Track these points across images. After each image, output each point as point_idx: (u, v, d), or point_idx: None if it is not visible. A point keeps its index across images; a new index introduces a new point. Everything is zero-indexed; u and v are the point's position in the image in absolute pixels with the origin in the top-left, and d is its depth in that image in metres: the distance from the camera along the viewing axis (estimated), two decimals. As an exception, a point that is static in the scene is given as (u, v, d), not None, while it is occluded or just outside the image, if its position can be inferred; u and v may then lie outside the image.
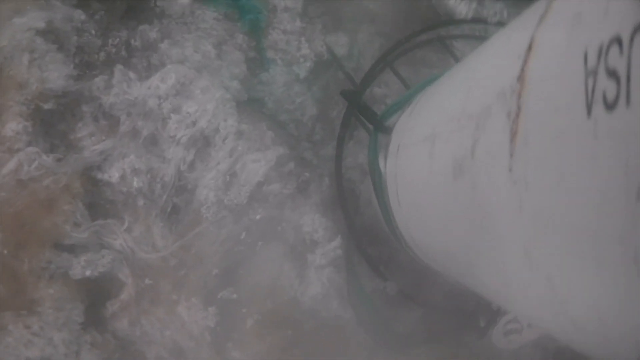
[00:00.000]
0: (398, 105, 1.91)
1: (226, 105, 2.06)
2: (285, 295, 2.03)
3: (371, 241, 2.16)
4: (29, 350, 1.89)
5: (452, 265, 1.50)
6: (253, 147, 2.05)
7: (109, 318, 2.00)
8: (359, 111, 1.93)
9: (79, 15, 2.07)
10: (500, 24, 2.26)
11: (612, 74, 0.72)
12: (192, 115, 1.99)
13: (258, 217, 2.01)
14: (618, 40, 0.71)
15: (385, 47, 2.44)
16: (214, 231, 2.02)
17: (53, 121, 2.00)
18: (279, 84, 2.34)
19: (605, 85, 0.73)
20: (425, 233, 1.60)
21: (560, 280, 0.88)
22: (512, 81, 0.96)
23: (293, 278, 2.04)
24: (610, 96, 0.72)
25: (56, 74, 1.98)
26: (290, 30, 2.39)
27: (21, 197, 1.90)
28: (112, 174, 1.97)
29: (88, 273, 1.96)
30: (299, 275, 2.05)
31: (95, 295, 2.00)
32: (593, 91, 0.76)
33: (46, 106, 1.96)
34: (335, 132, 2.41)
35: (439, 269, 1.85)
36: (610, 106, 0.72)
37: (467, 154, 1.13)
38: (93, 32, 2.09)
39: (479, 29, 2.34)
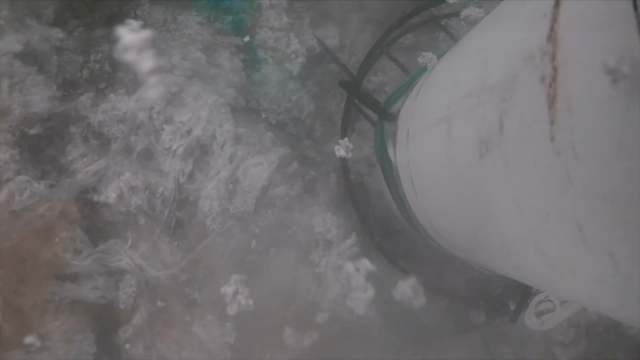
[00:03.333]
0: (401, 90, 1.82)
1: (220, 110, 1.97)
2: (304, 301, 1.93)
3: (386, 235, 2.08)
4: (42, 389, 1.79)
5: (481, 250, 1.41)
6: (253, 150, 1.96)
7: (122, 345, 1.90)
8: (360, 100, 1.84)
9: (57, 33, 1.97)
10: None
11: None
12: (185, 124, 1.90)
13: (267, 223, 1.91)
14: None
15: (377, 35, 2.35)
16: (222, 242, 1.92)
17: (41, 146, 1.91)
18: (272, 83, 2.25)
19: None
20: (447, 219, 1.51)
21: (624, 257, 0.78)
22: (540, 43, 0.86)
23: (310, 282, 1.95)
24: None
25: (39, 96, 1.88)
26: (278, 27, 2.30)
27: (16, 229, 1.80)
28: (109, 195, 1.87)
29: (95, 300, 1.87)
30: (316, 278, 1.96)
31: (106, 323, 1.90)
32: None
33: (32, 131, 1.87)
34: (336, 126, 2.32)
35: (463, 255, 1.76)
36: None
37: (494, 129, 1.03)
38: (73, 49, 2.00)
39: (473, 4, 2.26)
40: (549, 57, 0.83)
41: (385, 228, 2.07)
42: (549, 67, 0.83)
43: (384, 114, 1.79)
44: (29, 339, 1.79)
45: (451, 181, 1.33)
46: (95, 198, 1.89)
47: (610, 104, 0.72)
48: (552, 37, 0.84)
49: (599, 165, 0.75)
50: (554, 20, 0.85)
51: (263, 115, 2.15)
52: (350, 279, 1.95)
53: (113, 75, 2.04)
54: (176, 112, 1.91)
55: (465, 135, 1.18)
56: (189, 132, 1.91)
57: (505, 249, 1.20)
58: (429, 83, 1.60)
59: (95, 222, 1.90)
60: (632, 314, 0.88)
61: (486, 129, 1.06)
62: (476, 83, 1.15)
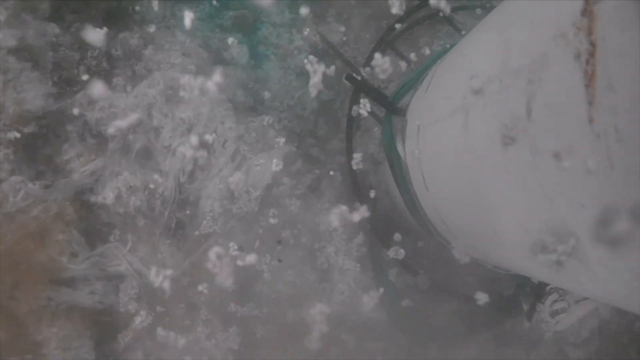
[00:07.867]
0: (409, 84, 1.77)
1: (222, 106, 1.90)
2: (310, 303, 1.87)
3: (393, 234, 2.01)
4: (37, 399, 1.71)
5: (496, 247, 1.35)
6: (256, 148, 1.90)
7: (121, 352, 1.82)
8: (367, 94, 1.78)
9: (53, 29, 1.91)
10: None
11: None
12: (186, 122, 1.83)
13: (271, 222, 1.85)
14: None
15: (382, 30, 2.31)
16: (224, 244, 1.85)
17: (36, 145, 1.84)
18: (274, 80, 2.20)
19: None
20: (461, 215, 1.45)
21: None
22: (573, 18, 0.81)
23: (316, 284, 1.88)
24: None
25: (33, 93, 1.81)
26: (279, 23, 2.25)
27: (10, 232, 1.72)
28: (106, 195, 1.80)
29: (93, 305, 1.79)
30: (322, 279, 1.89)
31: (104, 329, 1.83)
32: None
33: (27, 130, 1.80)
34: (340, 124, 2.26)
35: (474, 253, 1.70)
36: None
37: (521, 115, 0.97)
38: (70, 45, 1.93)
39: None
40: (584, 33, 0.78)
41: (392, 227, 2.00)
42: (585, 43, 0.77)
43: (392, 108, 1.74)
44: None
45: (468, 175, 1.27)
46: (92, 199, 1.82)
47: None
48: (587, 11, 0.78)
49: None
50: (588, -9, 0.80)
51: (265, 113, 2.09)
52: (357, 280, 1.88)
53: (111, 72, 1.97)
54: (176, 109, 1.85)
55: (485, 124, 1.12)
56: (189, 130, 1.84)
57: (525, 244, 1.14)
58: (440, 75, 1.55)
59: (92, 224, 1.83)
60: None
61: (510, 115, 1.00)
62: (496, 67, 1.09)
